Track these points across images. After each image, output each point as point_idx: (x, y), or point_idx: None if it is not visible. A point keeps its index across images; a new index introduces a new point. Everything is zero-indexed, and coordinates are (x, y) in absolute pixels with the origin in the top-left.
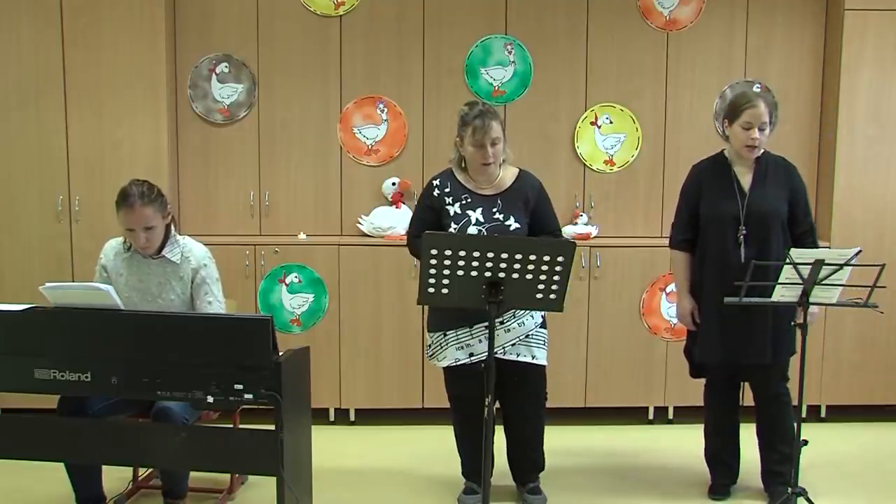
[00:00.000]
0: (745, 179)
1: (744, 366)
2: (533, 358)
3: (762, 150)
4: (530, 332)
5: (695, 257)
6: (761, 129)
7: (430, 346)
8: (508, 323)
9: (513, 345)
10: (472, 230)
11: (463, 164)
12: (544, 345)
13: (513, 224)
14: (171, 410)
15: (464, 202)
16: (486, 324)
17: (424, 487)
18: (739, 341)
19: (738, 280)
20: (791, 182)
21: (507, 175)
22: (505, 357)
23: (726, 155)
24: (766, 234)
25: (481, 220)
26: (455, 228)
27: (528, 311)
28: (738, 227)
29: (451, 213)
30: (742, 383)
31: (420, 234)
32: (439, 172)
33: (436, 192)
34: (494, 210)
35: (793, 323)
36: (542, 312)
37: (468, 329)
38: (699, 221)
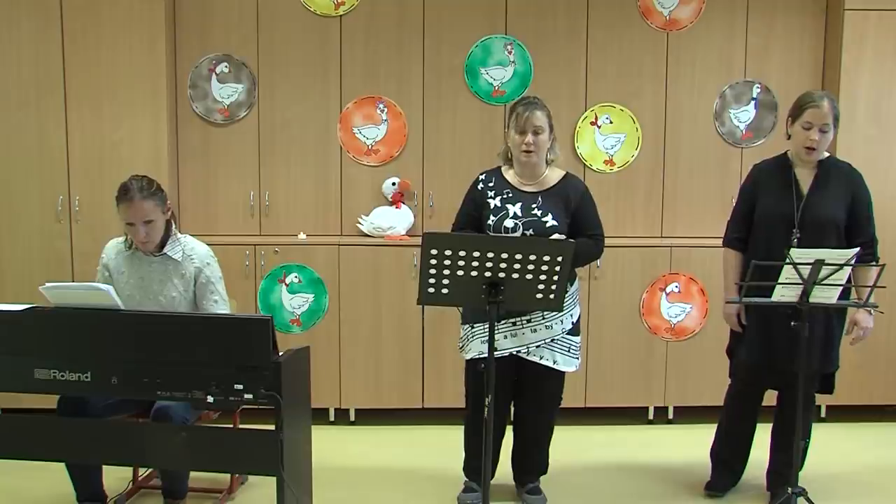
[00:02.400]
0: (805, 182)
1: (788, 371)
2: (554, 363)
3: (827, 155)
4: (556, 337)
5: (746, 257)
6: (823, 131)
7: (461, 338)
8: (536, 323)
9: (537, 346)
10: (509, 223)
11: (509, 156)
12: (570, 352)
13: (550, 221)
14: (171, 410)
15: (504, 196)
16: (512, 320)
17: (424, 487)
18: (787, 346)
19: None
20: (853, 189)
21: (553, 175)
22: (528, 357)
23: (789, 156)
24: (820, 239)
25: (519, 214)
26: (493, 220)
27: (557, 315)
28: (792, 229)
29: (492, 206)
30: (765, 393)
31: (464, 226)
32: (489, 168)
33: (480, 185)
34: (534, 206)
35: (793, 324)
36: (574, 319)
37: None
38: (753, 221)
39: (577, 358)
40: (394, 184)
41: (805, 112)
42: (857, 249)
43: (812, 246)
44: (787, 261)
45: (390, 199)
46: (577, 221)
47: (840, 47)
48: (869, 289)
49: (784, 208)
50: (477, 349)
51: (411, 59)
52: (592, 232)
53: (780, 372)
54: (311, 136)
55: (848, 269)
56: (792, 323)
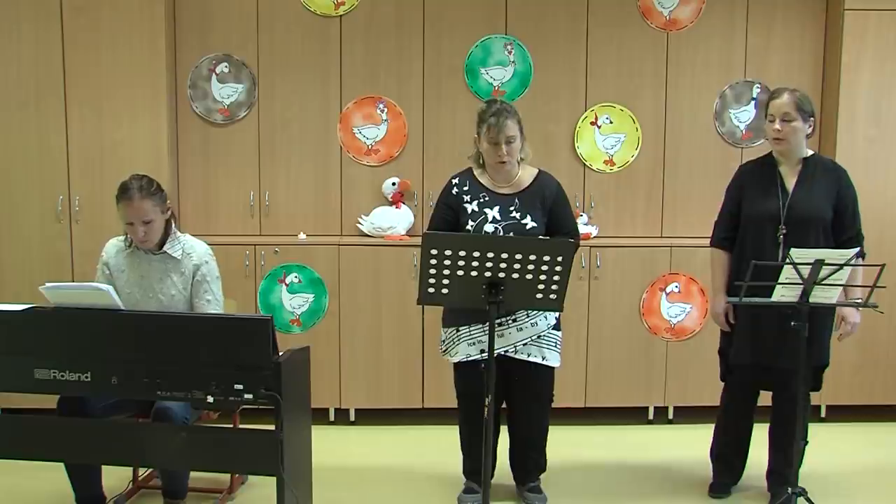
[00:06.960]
0: (790, 180)
1: (775, 369)
2: (543, 359)
3: (811, 153)
4: (542, 333)
5: (733, 256)
6: (785, 121)
7: (443, 341)
8: (521, 322)
9: (524, 344)
10: (489, 228)
11: (481, 161)
12: (556, 347)
13: (529, 223)
14: (171, 410)
15: (481, 200)
16: (498, 321)
17: (424, 487)
18: (773, 344)
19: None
20: (839, 186)
21: (526, 175)
22: (515, 356)
23: (774, 155)
24: (806, 235)
25: (498, 217)
26: (472, 226)
27: (541, 312)
28: (778, 226)
29: (469, 211)
30: (760, 391)
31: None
32: (460, 171)
33: (454, 190)
34: (511, 209)
35: (793, 324)
36: (557, 314)
37: (481, 326)
38: (740, 221)
39: (560, 353)
40: (394, 184)
41: (769, 106)
42: (858, 249)
43: (799, 242)
44: (787, 261)
45: (390, 199)
46: (553, 220)
47: (840, 47)
48: (862, 287)
49: (770, 206)
50: (464, 352)
51: (411, 59)
52: (568, 230)
53: (767, 369)
54: (311, 136)
55: (848, 270)
56: (792, 323)
